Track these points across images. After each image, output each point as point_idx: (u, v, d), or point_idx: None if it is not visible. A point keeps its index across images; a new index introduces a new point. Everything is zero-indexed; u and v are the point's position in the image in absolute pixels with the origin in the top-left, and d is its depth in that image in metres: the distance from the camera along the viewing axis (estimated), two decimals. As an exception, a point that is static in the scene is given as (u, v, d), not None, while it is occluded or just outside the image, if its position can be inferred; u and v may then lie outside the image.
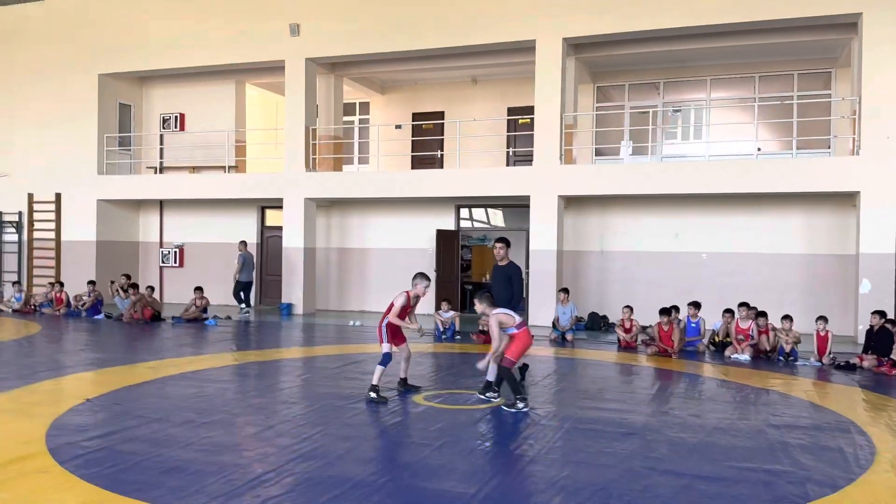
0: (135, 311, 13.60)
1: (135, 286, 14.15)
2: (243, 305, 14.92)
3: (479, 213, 17.86)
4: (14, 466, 4.83)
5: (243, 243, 15.50)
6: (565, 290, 12.52)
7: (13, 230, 18.09)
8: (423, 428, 6.09)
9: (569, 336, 11.86)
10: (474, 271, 18.71)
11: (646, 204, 14.99)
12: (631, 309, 11.57)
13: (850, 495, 4.51)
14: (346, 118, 19.59)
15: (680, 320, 10.94)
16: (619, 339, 11.44)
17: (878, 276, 12.20)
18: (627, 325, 11.39)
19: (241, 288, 15.05)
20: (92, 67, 17.49)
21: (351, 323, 13.95)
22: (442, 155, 17.92)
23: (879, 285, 12.17)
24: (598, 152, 16.59)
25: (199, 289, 14.24)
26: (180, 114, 18.39)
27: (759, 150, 14.70)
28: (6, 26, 18.22)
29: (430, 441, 5.65)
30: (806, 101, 15.21)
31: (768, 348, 10.18)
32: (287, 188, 16.03)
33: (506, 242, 7.97)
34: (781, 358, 9.99)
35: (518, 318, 6.82)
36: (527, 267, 14.54)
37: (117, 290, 14.60)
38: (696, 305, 11.12)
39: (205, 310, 14.07)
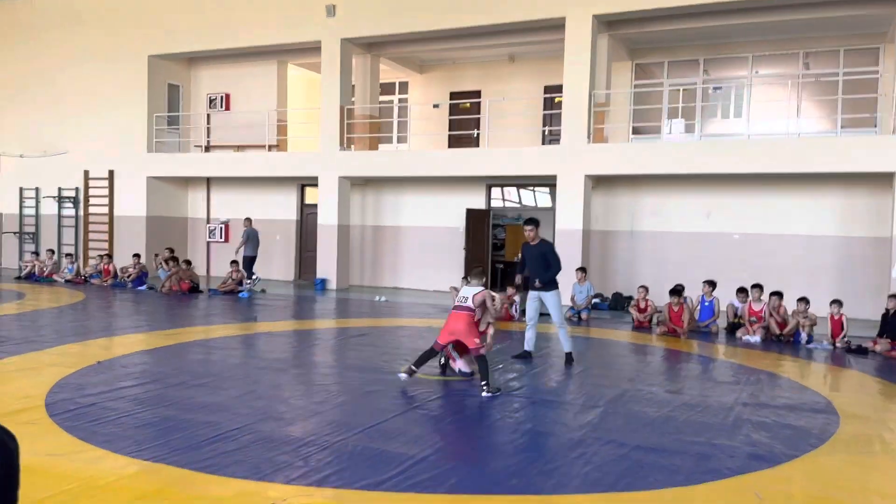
0: (172, 283, 14.28)
1: (175, 259, 14.85)
2: (255, 276, 15.38)
3: (511, 192, 17.94)
4: (8, 417, 5.31)
5: (248, 220, 16.04)
6: (582, 269, 12.53)
7: (71, 205, 19.14)
8: (383, 392, 6.34)
9: (584, 315, 11.89)
10: (508, 251, 18.79)
11: (678, 183, 14.75)
12: (646, 289, 11.51)
13: (783, 471, 4.53)
14: (385, 98, 19.89)
15: (691, 300, 10.82)
16: (633, 319, 11.41)
17: (912, 260, 11.76)
18: (642, 305, 11.35)
19: (248, 262, 15.53)
20: (142, 49, 18.24)
21: (377, 298, 14.30)
22: (478, 134, 18.03)
23: (913, 269, 11.73)
24: (637, 130, 16.38)
25: (234, 262, 14.86)
26: (226, 94, 19.02)
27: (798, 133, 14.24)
28: (62, 11, 19.14)
29: (394, 407, 5.90)
30: (852, 78, 14.63)
31: (778, 331, 9.99)
32: (321, 167, 16.45)
33: (535, 223, 8.02)
34: (799, 342, 9.80)
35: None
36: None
37: (161, 263, 15.37)
38: (711, 284, 10.99)
39: (240, 282, 14.67)
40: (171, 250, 15.84)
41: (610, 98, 15.40)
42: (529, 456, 4.71)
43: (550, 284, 7.94)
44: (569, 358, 7.90)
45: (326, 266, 16.45)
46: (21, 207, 19.67)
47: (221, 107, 18.98)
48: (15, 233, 19.63)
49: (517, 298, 11.69)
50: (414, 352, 7.91)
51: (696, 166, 13.40)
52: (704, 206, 14.56)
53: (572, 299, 12.30)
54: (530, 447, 4.93)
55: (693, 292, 11.55)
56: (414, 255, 17.02)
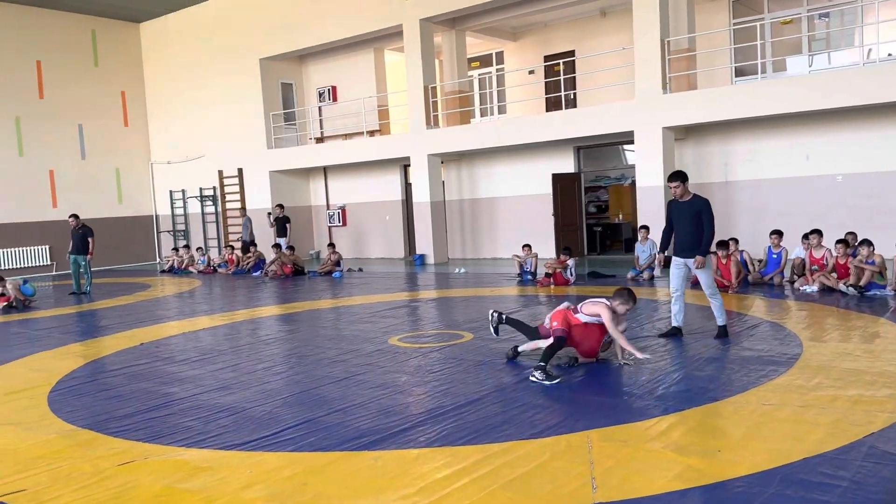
0: (276, 268, 15.62)
1: (277, 246, 16.25)
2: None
3: (607, 151, 17.36)
4: (12, 393, 6.35)
5: (244, 210, 19.17)
6: (645, 228, 11.98)
7: (211, 203, 21.35)
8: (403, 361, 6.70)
9: (646, 274, 11.41)
10: (612, 212, 18.21)
11: (774, 125, 13.53)
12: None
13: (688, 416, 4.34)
14: (482, 70, 19.98)
15: (741, 252, 10.09)
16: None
17: None
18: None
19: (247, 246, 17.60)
20: (254, 53, 19.80)
21: (456, 270, 14.64)
22: (575, 95, 17.63)
23: None
24: (740, 72, 15.16)
25: (331, 245, 15.93)
26: (332, 86, 20.16)
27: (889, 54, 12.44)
28: (186, 27, 21.26)
29: (400, 368, 6.27)
30: None
31: (831, 282, 8.99)
32: (412, 146, 17.00)
33: (682, 178, 6.95)
34: (854, 290, 8.76)
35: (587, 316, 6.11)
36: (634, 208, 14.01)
37: (272, 222, 17.62)
38: (778, 234, 10.13)
39: (338, 263, 15.67)
40: (282, 206, 17.78)
41: (694, 41, 14.39)
42: (467, 399, 4.88)
43: (701, 248, 6.91)
44: (722, 331, 6.93)
45: (424, 242, 17.03)
46: (172, 208, 22.27)
47: (329, 99, 20.16)
48: (168, 231, 22.30)
49: (571, 262, 11.48)
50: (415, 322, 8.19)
51: (802, 103, 12.12)
52: (803, 148, 13.23)
53: (636, 259, 11.84)
54: (469, 393, 5.08)
55: (793, 242, 10.73)
56: (508, 224, 17.13)
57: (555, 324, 6.08)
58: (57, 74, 20.49)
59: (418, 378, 6.10)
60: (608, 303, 6.03)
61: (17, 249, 19.44)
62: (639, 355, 5.83)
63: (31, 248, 19.71)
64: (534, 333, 6.53)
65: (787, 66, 14.66)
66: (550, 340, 5.99)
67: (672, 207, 7.14)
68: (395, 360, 6.83)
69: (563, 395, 5.34)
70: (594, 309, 6.04)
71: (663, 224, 13.16)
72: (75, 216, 14.31)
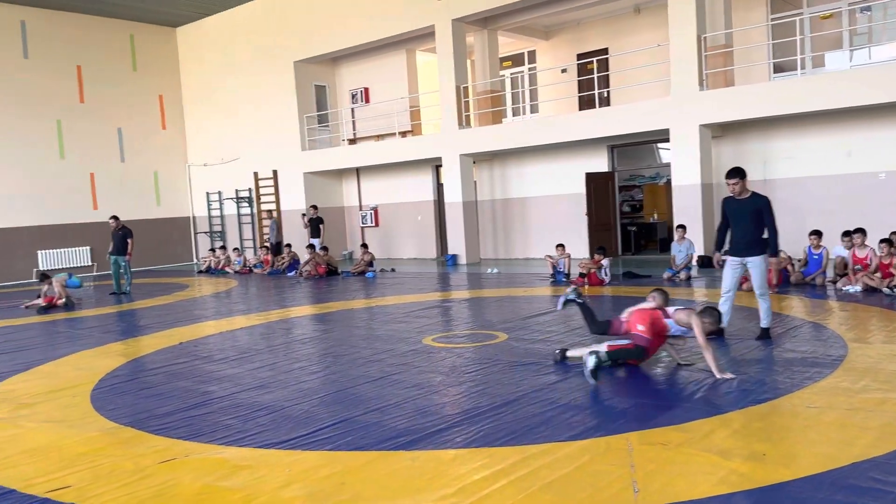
0: (310, 268, 15.73)
1: (311, 246, 16.38)
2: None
3: (641, 150, 17.15)
4: (56, 391, 6.48)
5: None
6: (682, 227, 11.81)
7: (246, 204, 21.60)
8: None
9: (683, 275, 11.25)
10: (646, 212, 18.00)
11: (815, 121, 13.24)
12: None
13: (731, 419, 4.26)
14: (514, 69, 19.91)
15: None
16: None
17: None
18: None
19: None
20: (289, 56, 19.98)
21: (488, 270, 14.59)
22: (609, 93, 17.46)
23: None
24: (778, 68, 14.88)
25: (364, 245, 16.01)
26: (364, 88, 20.25)
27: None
28: (221, 31, 21.54)
29: (434, 368, 6.27)
30: None
31: (875, 282, 8.75)
32: (444, 147, 17.00)
33: (741, 174, 6.72)
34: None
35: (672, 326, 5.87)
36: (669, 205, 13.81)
37: (307, 223, 17.69)
38: (817, 234, 9.90)
39: (370, 263, 15.73)
40: (315, 207, 17.90)
41: (731, 38, 14.16)
42: (499, 402, 4.86)
43: (758, 247, 6.74)
44: (765, 333, 6.78)
45: (456, 242, 17.02)
46: (208, 210, 22.58)
47: (362, 100, 20.25)
48: (205, 232, 22.62)
49: (605, 262, 11.36)
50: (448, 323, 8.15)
51: (843, 99, 11.86)
52: (844, 144, 12.92)
53: (672, 259, 11.68)
54: (507, 394, 5.06)
55: (834, 241, 10.48)
56: (540, 224, 17.03)
57: (640, 328, 5.79)
58: (97, 79, 20.92)
59: (453, 378, 6.08)
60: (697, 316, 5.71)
61: (59, 251, 19.88)
62: (720, 375, 5.45)
63: (73, 249, 20.14)
64: (602, 328, 6.30)
65: (826, 61, 14.34)
66: (626, 342, 5.79)
67: (729, 205, 6.90)
68: (430, 360, 6.83)
69: (602, 396, 5.28)
70: (687, 320, 5.73)
71: (700, 223, 13.27)
72: (115, 218, 14.59)
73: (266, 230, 20.00)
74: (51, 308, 12.44)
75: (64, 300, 12.53)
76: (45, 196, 19.85)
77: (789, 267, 9.86)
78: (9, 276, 19.12)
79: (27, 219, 19.56)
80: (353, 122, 20.70)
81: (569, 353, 6.29)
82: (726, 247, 7.02)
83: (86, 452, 4.62)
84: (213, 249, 20.02)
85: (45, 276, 12.96)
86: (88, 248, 20.45)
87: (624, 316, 6.14)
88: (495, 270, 14.50)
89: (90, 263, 20.33)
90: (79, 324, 10.88)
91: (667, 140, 15.28)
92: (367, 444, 4.46)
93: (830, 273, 9.84)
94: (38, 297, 12.67)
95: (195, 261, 22.72)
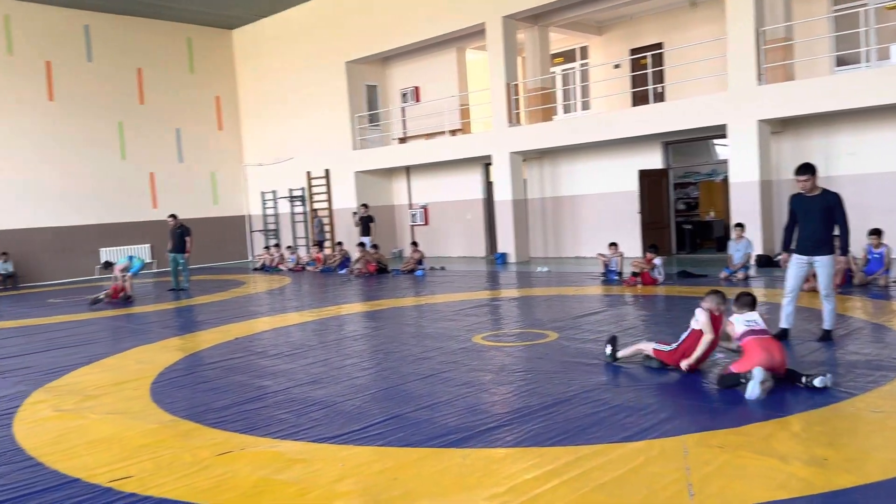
0: (361, 266, 15.91)
1: (361, 244, 16.55)
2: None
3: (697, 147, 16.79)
4: (119, 384, 6.69)
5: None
6: (740, 226, 11.52)
7: (300, 203, 21.95)
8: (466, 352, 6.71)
9: (740, 274, 10.98)
10: (702, 209, 17.61)
11: (876, 117, 12.76)
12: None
13: (790, 423, 4.15)
14: (566, 66, 19.73)
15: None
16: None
17: None
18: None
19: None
20: (341, 57, 20.23)
21: (539, 269, 14.50)
22: (663, 88, 17.15)
23: None
24: (840, 61, 14.40)
25: (414, 244, 16.09)
26: (415, 87, 20.36)
27: None
28: (277, 31, 21.92)
29: (484, 366, 6.30)
30: None
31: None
32: (494, 145, 16.96)
33: (811, 171, 6.48)
34: None
35: (743, 327, 5.49)
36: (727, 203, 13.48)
37: (357, 221, 17.92)
38: (877, 233, 9.57)
39: (420, 261, 15.81)
40: (366, 206, 18.18)
41: (791, 30, 13.74)
42: (550, 401, 4.85)
43: (827, 246, 6.54)
44: (827, 335, 6.59)
45: (505, 240, 16.97)
46: (263, 208, 23.03)
47: (412, 99, 20.36)
48: (260, 230, 23.07)
49: (658, 261, 11.17)
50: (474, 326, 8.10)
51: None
52: (911, 139, 12.43)
53: (729, 259, 11.41)
54: (552, 393, 5.04)
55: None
56: (591, 222, 16.84)
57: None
58: (156, 81, 21.54)
59: (503, 377, 6.07)
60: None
61: (120, 248, 20.53)
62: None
63: (134, 246, 20.77)
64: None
65: (891, 54, 13.79)
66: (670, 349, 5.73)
67: (797, 202, 6.68)
68: (480, 358, 6.82)
69: (655, 397, 5.19)
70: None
71: (758, 221, 12.93)
72: (174, 216, 15.00)
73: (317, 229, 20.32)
74: (111, 300, 12.94)
75: (127, 294, 13.05)
76: (108, 195, 20.54)
77: (853, 267, 9.54)
78: (73, 272, 19.85)
79: (90, 217, 20.27)
80: (404, 121, 20.82)
81: (619, 354, 6.22)
82: (793, 246, 6.82)
83: (146, 444, 4.76)
84: (267, 247, 20.42)
85: (108, 264, 13.63)
86: (148, 245, 21.08)
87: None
88: (545, 269, 14.41)
89: (150, 260, 20.94)
90: (140, 319, 11.22)
91: (724, 136, 14.94)
92: (417, 440, 4.48)
93: (894, 272, 9.48)
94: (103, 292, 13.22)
95: (250, 258, 23.20)
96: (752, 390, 4.88)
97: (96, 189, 20.35)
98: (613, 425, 4.57)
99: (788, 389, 5.09)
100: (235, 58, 23.43)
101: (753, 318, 5.51)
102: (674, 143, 16.01)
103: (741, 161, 13.21)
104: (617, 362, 6.18)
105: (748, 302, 5.65)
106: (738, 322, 5.52)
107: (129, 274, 13.37)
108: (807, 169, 6.52)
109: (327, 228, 20.69)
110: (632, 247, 15.50)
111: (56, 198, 19.67)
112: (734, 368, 5.21)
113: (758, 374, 4.95)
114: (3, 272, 18.08)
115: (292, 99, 21.74)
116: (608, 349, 6.27)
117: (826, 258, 6.53)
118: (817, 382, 4.98)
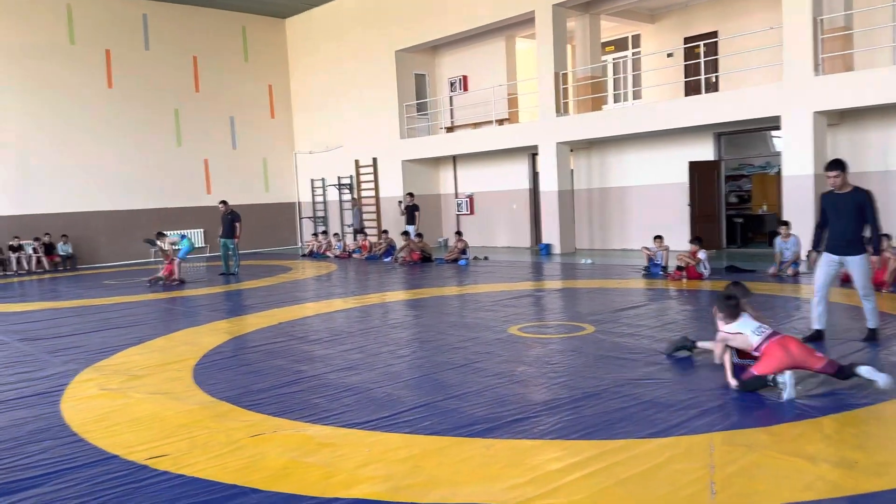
0: (405, 254, 16.05)
1: (406, 233, 16.70)
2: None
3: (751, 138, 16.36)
4: (164, 365, 6.92)
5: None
6: (785, 223, 11.22)
7: (348, 191, 22.20)
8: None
9: (791, 270, 10.69)
10: (755, 203, 17.17)
11: (943, 109, 12.25)
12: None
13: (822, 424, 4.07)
14: (617, 54, 19.43)
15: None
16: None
17: None
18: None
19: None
20: (390, 46, 20.34)
21: (583, 261, 14.38)
22: (717, 78, 16.75)
23: None
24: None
25: (458, 233, 16.12)
26: (463, 76, 20.35)
27: None
28: (328, 20, 22.15)
29: (518, 358, 6.34)
30: None
31: None
32: (541, 134, 16.84)
33: (841, 167, 6.35)
34: None
35: (758, 337, 5.25)
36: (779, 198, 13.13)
37: (403, 210, 18.20)
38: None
39: (463, 251, 15.85)
40: (412, 195, 18.34)
41: (850, 19, 13.25)
42: (584, 393, 4.87)
43: (859, 246, 6.38)
44: (872, 335, 6.42)
45: (550, 231, 16.86)
46: (312, 196, 23.39)
47: (460, 88, 20.36)
48: (309, 217, 23.45)
49: (702, 255, 10.96)
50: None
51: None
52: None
53: (776, 257, 11.13)
54: (586, 386, 5.05)
55: None
56: (640, 214, 16.60)
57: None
58: (211, 69, 22.04)
59: (535, 369, 6.07)
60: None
61: (174, 232, 21.11)
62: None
63: (188, 231, 21.35)
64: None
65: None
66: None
67: (828, 199, 6.52)
68: (514, 349, 6.84)
69: (685, 394, 5.13)
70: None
71: (810, 218, 12.54)
72: (224, 202, 15.36)
73: (371, 216, 20.53)
74: (165, 281, 13.42)
75: (176, 278, 13.51)
76: (163, 181, 21.15)
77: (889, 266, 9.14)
78: (129, 255, 20.53)
79: (147, 202, 20.92)
80: (451, 111, 20.84)
81: (699, 344, 6.11)
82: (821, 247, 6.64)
83: (185, 424, 4.93)
84: (315, 234, 20.75)
85: (160, 235, 14.19)
86: (202, 230, 21.66)
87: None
88: (589, 261, 14.28)
89: (203, 245, 21.50)
90: (190, 302, 11.57)
91: (778, 128, 14.52)
92: (444, 429, 4.54)
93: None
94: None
95: (299, 245, 23.61)
96: (789, 394, 4.78)
97: (153, 174, 20.98)
98: (642, 421, 4.54)
99: (825, 389, 4.97)
100: (288, 46, 23.78)
101: (756, 325, 5.35)
102: (726, 134, 15.64)
103: (795, 154, 12.83)
104: (674, 354, 6.18)
105: (734, 309, 5.44)
106: (747, 332, 5.31)
107: (177, 254, 13.85)
108: (836, 165, 6.35)
109: (367, 217, 20.87)
110: (681, 240, 15.22)
111: (114, 183, 20.35)
112: (755, 371, 5.10)
113: (789, 378, 4.84)
114: (63, 253, 18.83)
115: (342, 87, 21.97)
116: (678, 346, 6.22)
117: (857, 258, 6.34)
118: (881, 382, 4.82)
